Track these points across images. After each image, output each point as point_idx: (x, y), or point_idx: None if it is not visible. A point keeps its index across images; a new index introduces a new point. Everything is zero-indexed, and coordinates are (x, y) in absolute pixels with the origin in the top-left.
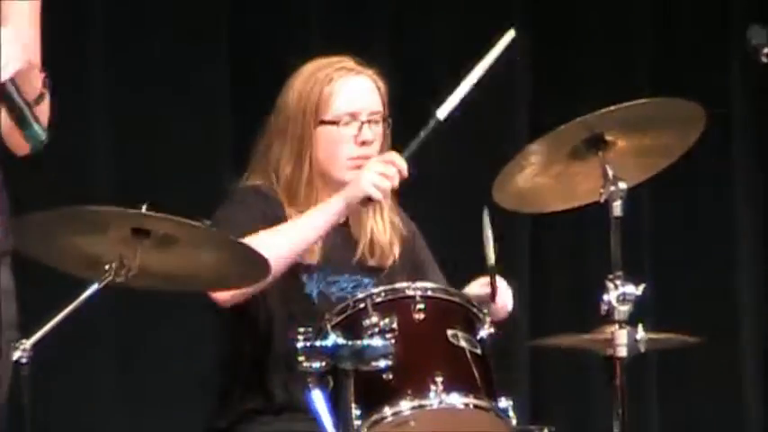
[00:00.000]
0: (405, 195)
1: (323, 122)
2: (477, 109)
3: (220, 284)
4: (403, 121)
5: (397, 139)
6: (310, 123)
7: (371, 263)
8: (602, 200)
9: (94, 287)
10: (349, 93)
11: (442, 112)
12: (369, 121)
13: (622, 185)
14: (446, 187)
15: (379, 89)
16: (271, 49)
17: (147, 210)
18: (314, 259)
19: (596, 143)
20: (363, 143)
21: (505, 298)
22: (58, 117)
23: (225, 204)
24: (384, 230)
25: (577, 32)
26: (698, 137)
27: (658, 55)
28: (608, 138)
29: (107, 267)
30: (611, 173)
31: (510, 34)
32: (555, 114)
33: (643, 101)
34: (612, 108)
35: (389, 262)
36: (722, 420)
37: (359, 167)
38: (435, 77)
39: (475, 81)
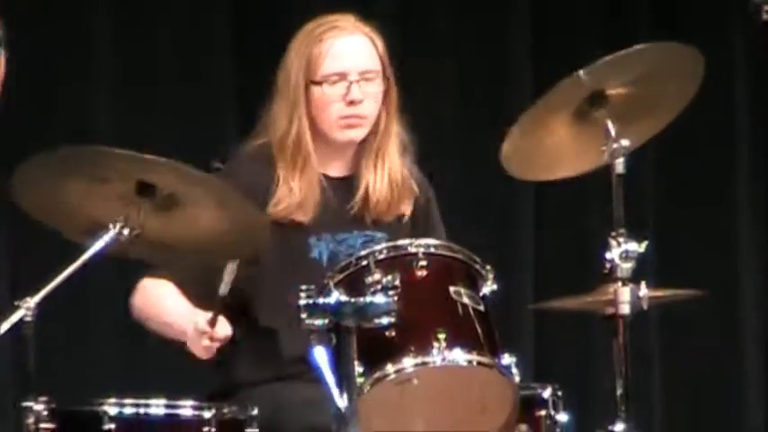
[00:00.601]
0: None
1: (313, 82)
2: (479, 74)
3: (218, 252)
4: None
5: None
6: (302, 83)
7: (373, 215)
8: (604, 158)
9: (98, 245)
10: (338, 52)
11: None
12: (361, 80)
13: (625, 143)
14: (452, 147)
15: (375, 47)
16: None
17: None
18: (307, 216)
19: (598, 100)
20: (352, 102)
21: None
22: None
23: (219, 174)
24: (383, 184)
25: None
26: (698, 86)
27: (657, 22)
28: (609, 92)
29: (111, 225)
30: (613, 130)
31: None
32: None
33: (639, 47)
34: (609, 57)
35: (391, 217)
36: (723, 375)
37: (350, 126)
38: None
39: None
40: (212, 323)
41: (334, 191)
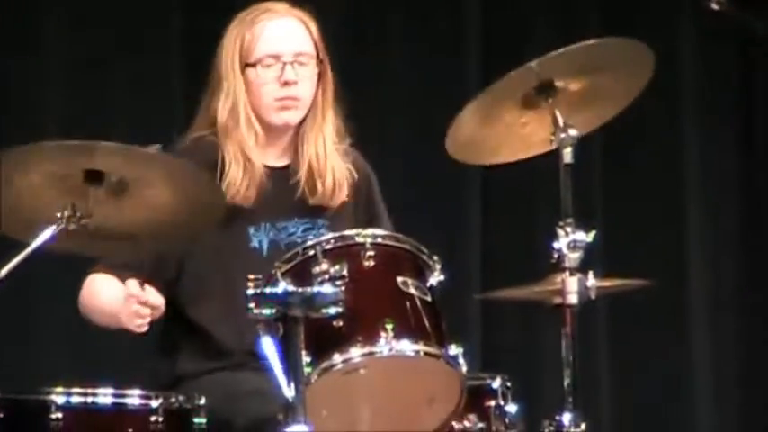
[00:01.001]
0: (363, 149)
1: (247, 65)
2: (429, 58)
3: (175, 234)
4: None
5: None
6: (237, 67)
7: (313, 202)
8: (552, 146)
9: (45, 234)
10: (271, 35)
11: None
12: (295, 62)
13: (573, 132)
14: (401, 138)
15: (309, 30)
16: None
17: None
18: (248, 202)
19: (546, 90)
20: (286, 83)
21: None
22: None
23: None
24: (326, 168)
25: None
26: (647, 80)
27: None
28: (557, 84)
29: (58, 215)
30: (561, 120)
31: None
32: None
33: (590, 42)
34: (560, 50)
35: (332, 203)
36: (670, 363)
37: (285, 108)
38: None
39: None
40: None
41: (273, 179)
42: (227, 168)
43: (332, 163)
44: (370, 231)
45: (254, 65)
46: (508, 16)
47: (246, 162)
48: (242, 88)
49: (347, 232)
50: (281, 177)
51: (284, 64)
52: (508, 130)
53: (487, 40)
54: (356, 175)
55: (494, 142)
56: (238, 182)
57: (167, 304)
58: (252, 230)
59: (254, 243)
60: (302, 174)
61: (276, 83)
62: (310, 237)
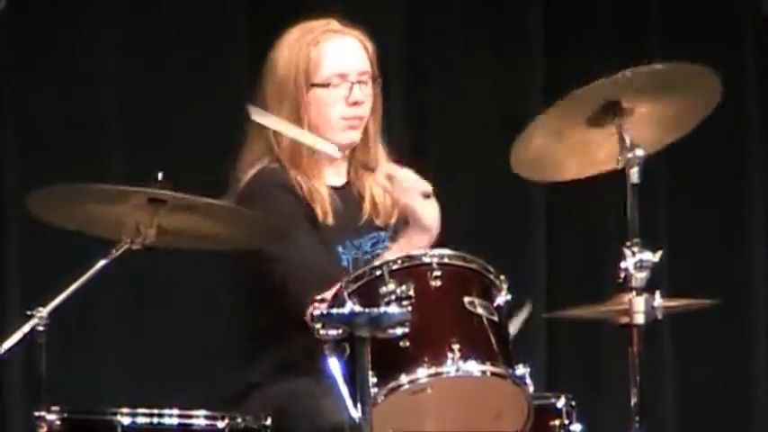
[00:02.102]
0: (427, 165)
1: (314, 85)
2: (492, 73)
3: (237, 245)
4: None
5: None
6: (302, 88)
7: (378, 222)
8: (619, 167)
9: (110, 256)
10: (336, 54)
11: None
12: (358, 82)
13: (639, 152)
14: (465, 156)
15: (366, 49)
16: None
17: (163, 180)
18: (329, 219)
19: (613, 109)
20: (355, 103)
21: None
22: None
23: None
24: (381, 192)
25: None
26: (715, 104)
27: (669, 17)
28: (625, 104)
29: (123, 236)
30: (628, 139)
31: (527, 308)
32: (569, 79)
33: (659, 66)
34: (627, 72)
35: (392, 221)
36: (735, 383)
37: (352, 128)
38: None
39: None
40: None
41: (338, 199)
42: (305, 190)
43: (382, 186)
44: (437, 251)
45: (323, 85)
46: (570, 34)
47: (316, 182)
48: (308, 108)
49: (414, 252)
50: (343, 196)
51: (351, 84)
52: (574, 148)
53: (551, 57)
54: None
55: (559, 159)
56: (319, 203)
57: (255, 314)
58: (340, 249)
59: (344, 261)
60: (363, 191)
61: (344, 102)
62: (379, 250)
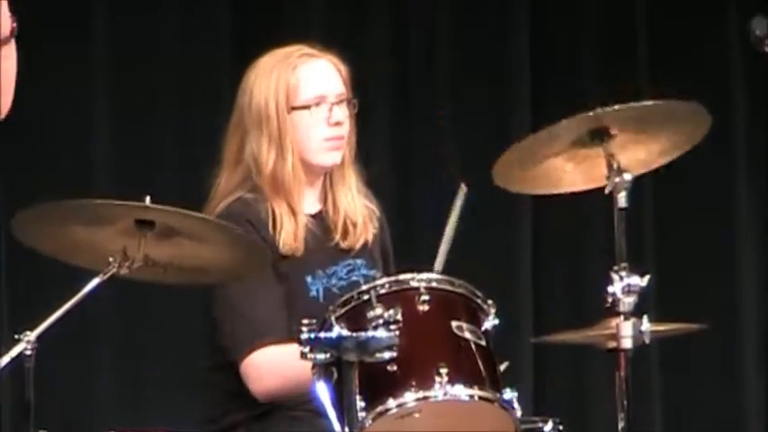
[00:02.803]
0: (407, 180)
1: (294, 109)
2: (477, 90)
3: (225, 274)
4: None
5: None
6: (283, 112)
7: (345, 245)
8: (606, 191)
9: (97, 279)
10: (314, 77)
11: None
12: (337, 103)
13: (627, 177)
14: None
15: (339, 72)
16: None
17: (151, 201)
18: (299, 252)
19: (600, 135)
20: (336, 124)
21: None
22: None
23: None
24: (355, 209)
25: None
26: (703, 134)
27: (656, 41)
28: (612, 131)
29: (111, 260)
30: (615, 164)
31: (462, 190)
32: (556, 93)
33: (648, 102)
34: (617, 107)
35: (361, 242)
36: (723, 408)
37: (335, 148)
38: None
39: (449, 244)
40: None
41: (313, 226)
42: (278, 222)
43: (359, 203)
44: (424, 275)
45: (304, 107)
46: (556, 50)
47: (293, 212)
48: (291, 132)
49: (402, 276)
50: (317, 223)
51: (331, 105)
52: (558, 168)
53: (536, 72)
54: (377, 212)
55: (546, 174)
56: (291, 235)
57: (221, 353)
58: (309, 279)
59: (313, 292)
60: (337, 217)
61: (325, 124)
62: (354, 276)
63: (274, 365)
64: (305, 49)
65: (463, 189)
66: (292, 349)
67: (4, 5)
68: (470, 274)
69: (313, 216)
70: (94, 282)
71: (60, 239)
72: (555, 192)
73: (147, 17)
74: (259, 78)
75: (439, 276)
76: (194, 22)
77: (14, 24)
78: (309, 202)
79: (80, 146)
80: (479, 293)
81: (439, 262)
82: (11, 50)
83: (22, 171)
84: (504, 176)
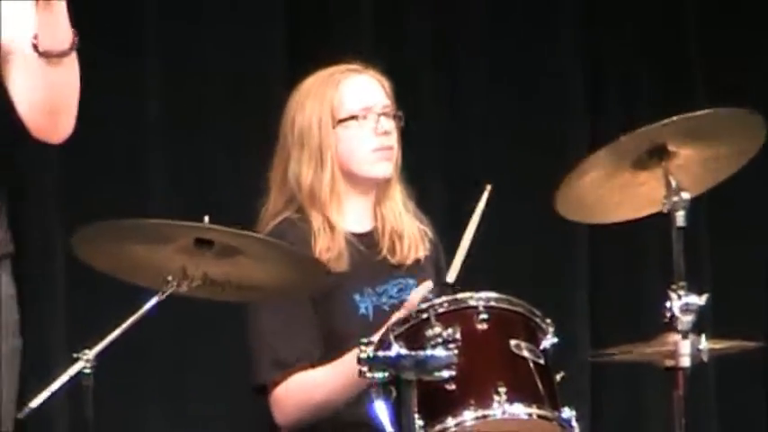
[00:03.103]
0: (466, 206)
1: (341, 121)
2: (536, 118)
3: (282, 293)
4: None
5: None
6: (328, 126)
7: (393, 261)
8: (665, 210)
9: (156, 298)
10: (359, 90)
11: (451, 277)
12: (383, 114)
13: (685, 196)
14: (507, 196)
15: (383, 86)
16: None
17: (210, 221)
18: (342, 266)
19: (659, 153)
20: (384, 133)
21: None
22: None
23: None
24: (402, 227)
25: (633, 34)
26: (760, 145)
27: (713, 55)
28: (670, 148)
29: (169, 278)
30: (674, 183)
31: (487, 190)
32: (614, 118)
33: (705, 111)
34: (674, 119)
35: (410, 260)
36: None
37: (385, 159)
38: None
39: (469, 242)
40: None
41: (359, 245)
42: (316, 239)
43: (407, 220)
44: (483, 294)
45: (349, 119)
46: (613, 72)
47: (331, 230)
48: (334, 146)
49: (460, 295)
50: (365, 242)
51: (378, 115)
52: (620, 191)
53: (592, 97)
54: (430, 234)
55: (605, 202)
56: (328, 249)
57: None
58: (357, 297)
59: (362, 310)
60: (384, 234)
61: (372, 134)
62: (405, 295)
63: (295, 398)
64: (348, 65)
65: (488, 188)
66: (312, 378)
67: (62, 18)
68: (528, 292)
69: (363, 234)
70: (153, 300)
71: (119, 258)
72: (612, 220)
73: (198, 30)
74: (302, 100)
75: (497, 295)
76: (247, 36)
77: (76, 38)
78: (358, 219)
79: (135, 161)
80: (538, 312)
81: (459, 258)
82: (71, 64)
83: (78, 188)
84: (565, 204)
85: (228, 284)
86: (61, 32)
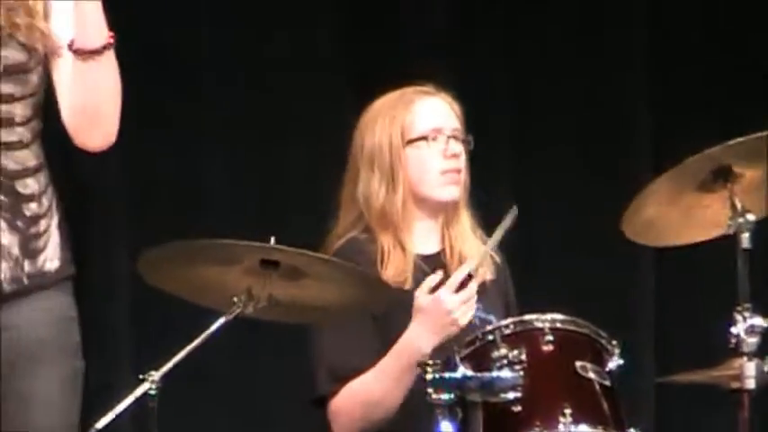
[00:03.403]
0: (532, 228)
1: (410, 141)
2: (599, 141)
3: (347, 313)
4: None
5: None
6: (399, 146)
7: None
8: (730, 232)
9: (223, 319)
10: (430, 111)
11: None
12: (453, 137)
13: (750, 217)
14: (574, 218)
15: (454, 110)
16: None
17: (275, 242)
18: (407, 286)
19: (724, 175)
20: (453, 155)
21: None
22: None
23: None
24: (470, 252)
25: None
26: None
27: None
28: (735, 169)
29: (235, 299)
30: (739, 205)
31: (513, 211)
32: (677, 141)
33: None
34: (739, 140)
35: (483, 281)
36: None
37: (453, 182)
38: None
39: (485, 255)
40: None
41: (428, 266)
42: (386, 257)
43: (474, 244)
44: (548, 316)
45: (419, 139)
46: (679, 95)
47: (402, 247)
48: (405, 166)
49: (526, 317)
50: (432, 263)
51: (447, 137)
52: (686, 213)
53: (657, 119)
54: (498, 260)
55: (672, 225)
56: (398, 270)
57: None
58: None
59: None
60: (452, 257)
61: (441, 156)
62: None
63: (351, 405)
64: (419, 87)
65: (514, 210)
66: (365, 380)
67: (94, 15)
68: (594, 313)
69: (429, 256)
70: (220, 321)
71: (185, 279)
72: (677, 243)
73: (265, 49)
74: (372, 120)
75: (563, 317)
76: (312, 57)
77: (111, 39)
78: (425, 242)
79: (198, 181)
80: (603, 333)
81: (469, 265)
82: (106, 65)
83: (143, 207)
84: (632, 227)
85: (294, 305)
86: (93, 30)
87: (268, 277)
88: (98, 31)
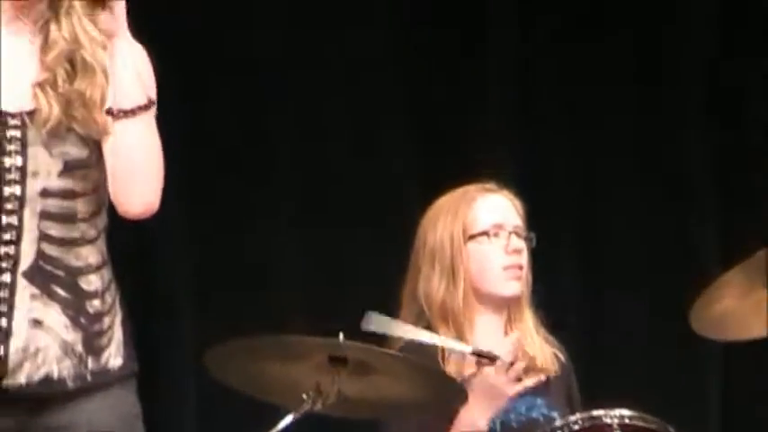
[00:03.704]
0: (597, 321)
1: (472, 237)
2: (662, 233)
3: (417, 411)
4: None
5: None
6: (460, 241)
7: (526, 380)
8: None
9: (292, 416)
10: (492, 208)
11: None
12: (514, 233)
13: None
14: (643, 311)
15: (516, 207)
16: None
17: (344, 337)
18: None
19: None
20: (515, 251)
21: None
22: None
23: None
24: (533, 349)
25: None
26: None
27: None
28: None
29: (304, 396)
30: None
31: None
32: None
33: None
34: None
35: (538, 379)
36: None
37: (515, 278)
38: None
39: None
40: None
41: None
42: (447, 355)
43: (537, 341)
44: (617, 412)
45: (480, 234)
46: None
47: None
48: (466, 261)
49: (595, 413)
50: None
51: (509, 233)
52: (755, 308)
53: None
54: (563, 358)
55: (741, 319)
56: (458, 365)
57: None
58: None
59: (491, 424)
60: (516, 354)
61: (503, 251)
62: (534, 414)
63: None
64: (482, 184)
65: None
66: None
67: (125, 75)
68: (661, 409)
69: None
70: (289, 418)
71: (253, 375)
72: (746, 338)
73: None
74: (435, 217)
75: (631, 413)
76: (377, 136)
77: (146, 102)
78: (489, 340)
79: (266, 269)
80: (672, 429)
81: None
82: (142, 127)
83: (210, 301)
84: (700, 322)
85: (363, 402)
86: (125, 90)
87: (337, 373)
88: (131, 93)
